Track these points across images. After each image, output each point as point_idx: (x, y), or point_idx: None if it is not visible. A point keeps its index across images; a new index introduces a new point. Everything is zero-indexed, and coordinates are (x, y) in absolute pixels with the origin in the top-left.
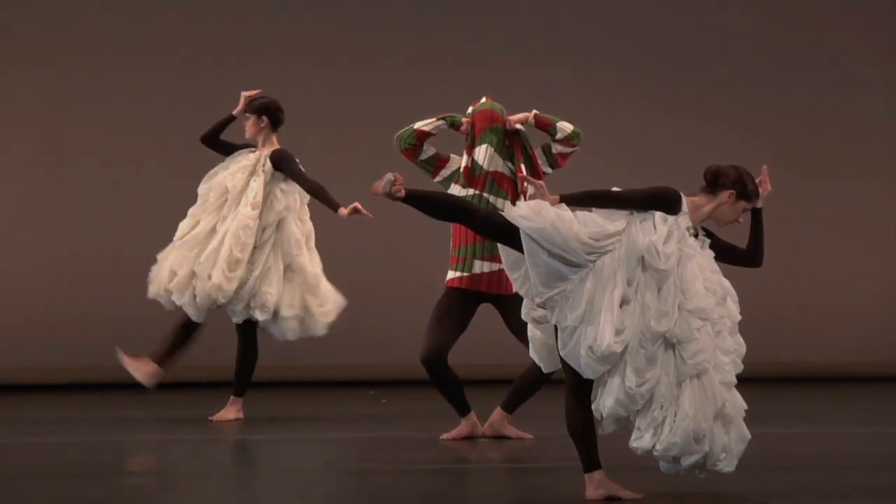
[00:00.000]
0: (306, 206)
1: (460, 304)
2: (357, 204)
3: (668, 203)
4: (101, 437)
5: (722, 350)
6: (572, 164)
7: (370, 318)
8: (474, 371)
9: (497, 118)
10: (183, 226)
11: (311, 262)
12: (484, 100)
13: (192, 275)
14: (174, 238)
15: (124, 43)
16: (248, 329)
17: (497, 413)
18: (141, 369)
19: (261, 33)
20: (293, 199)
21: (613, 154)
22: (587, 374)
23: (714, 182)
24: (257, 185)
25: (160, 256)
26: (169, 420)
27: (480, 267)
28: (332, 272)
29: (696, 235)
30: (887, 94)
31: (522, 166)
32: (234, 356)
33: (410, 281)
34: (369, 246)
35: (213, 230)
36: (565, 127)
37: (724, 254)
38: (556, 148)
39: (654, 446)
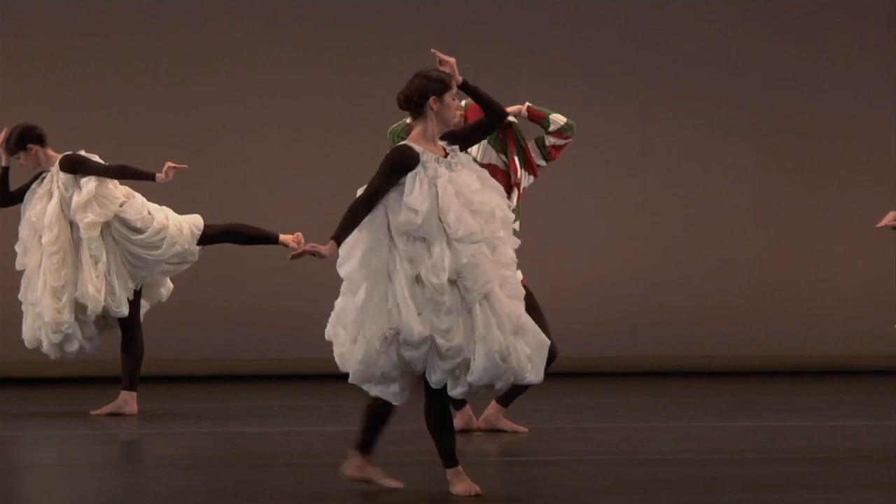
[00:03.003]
0: (115, 192)
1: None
2: (169, 163)
3: (404, 162)
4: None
5: (502, 264)
6: (566, 156)
7: None
8: None
9: None
10: (22, 281)
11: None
12: None
13: (40, 318)
14: (20, 292)
15: (126, 43)
16: (126, 323)
17: (492, 406)
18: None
19: (262, 34)
20: (109, 200)
21: (606, 146)
22: (418, 367)
23: (412, 104)
24: (51, 207)
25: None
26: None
27: None
28: (328, 267)
29: (445, 154)
30: (879, 91)
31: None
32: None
33: None
34: None
35: (39, 265)
36: (558, 119)
37: (473, 137)
38: (550, 140)
39: (470, 383)
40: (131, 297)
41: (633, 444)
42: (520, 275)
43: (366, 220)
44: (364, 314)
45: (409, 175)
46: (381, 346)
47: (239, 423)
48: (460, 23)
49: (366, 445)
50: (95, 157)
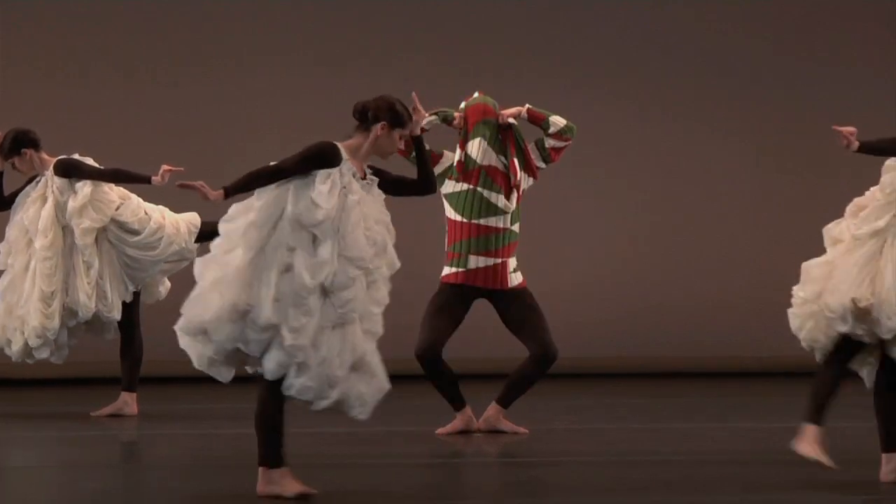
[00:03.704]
0: (111, 195)
1: (455, 300)
2: (165, 166)
3: (325, 158)
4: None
5: (374, 300)
6: (566, 156)
7: None
8: (469, 365)
9: (489, 111)
10: (2, 280)
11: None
12: (476, 94)
13: (21, 321)
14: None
15: (125, 44)
16: (125, 324)
17: (492, 407)
18: None
19: (261, 33)
20: (104, 205)
21: (606, 147)
22: (253, 349)
23: (364, 118)
24: (45, 212)
25: None
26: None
27: (476, 262)
28: None
29: (364, 177)
30: (879, 91)
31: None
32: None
33: (405, 276)
34: None
35: (27, 269)
36: (558, 121)
37: (395, 186)
38: (549, 142)
39: (292, 390)
40: (128, 300)
41: (632, 445)
42: (519, 276)
43: (269, 194)
44: (229, 276)
45: (323, 172)
46: (230, 314)
47: (239, 424)
48: (460, 24)
49: (277, 458)
50: (90, 161)
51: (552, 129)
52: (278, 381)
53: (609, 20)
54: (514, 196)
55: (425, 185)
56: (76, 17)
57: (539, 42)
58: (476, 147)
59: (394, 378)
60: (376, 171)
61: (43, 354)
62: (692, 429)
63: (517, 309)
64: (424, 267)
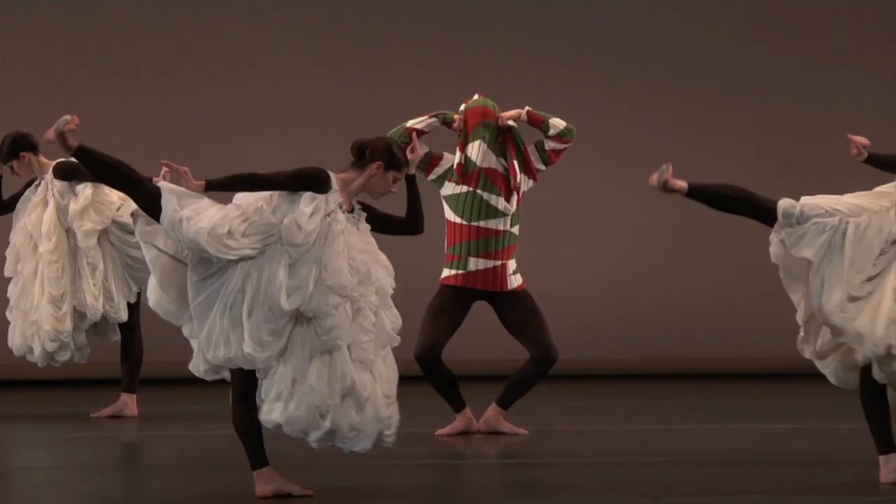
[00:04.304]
0: (111, 197)
1: (455, 302)
2: (165, 168)
3: (315, 183)
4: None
5: (361, 328)
6: (566, 157)
7: None
8: (469, 367)
9: (489, 114)
10: (11, 288)
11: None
12: (476, 96)
13: (36, 326)
14: (10, 299)
15: (125, 44)
16: (126, 325)
17: (492, 409)
18: None
19: (261, 33)
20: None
21: (606, 147)
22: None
23: (361, 156)
24: (48, 215)
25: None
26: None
27: (475, 264)
28: None
29: (351, 210)
30: (879, 92)
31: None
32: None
33: (405, 278)
34: None
35: (35, 274)
36: (558, 123)
37: (382, 223)
38: (549, 144)
39: (279, 422)
40: (132, 301)
41: (632, 446)
42: (519, 279)
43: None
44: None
45: (309, 195)
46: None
47: None
48: (461, 25)
49: (261, 459)
50: None
51: (552, 132)
52: (250, 386)
53: (609, 21)
54: (514, 198)
55: (413, 225)
56: (76, 17)
57: (539, 43)
58: (476, 149)
59: None
60: (365, 207)
61: (64, 357)
62: (692, 429)
63: (517, 311)
64: (424, 269)
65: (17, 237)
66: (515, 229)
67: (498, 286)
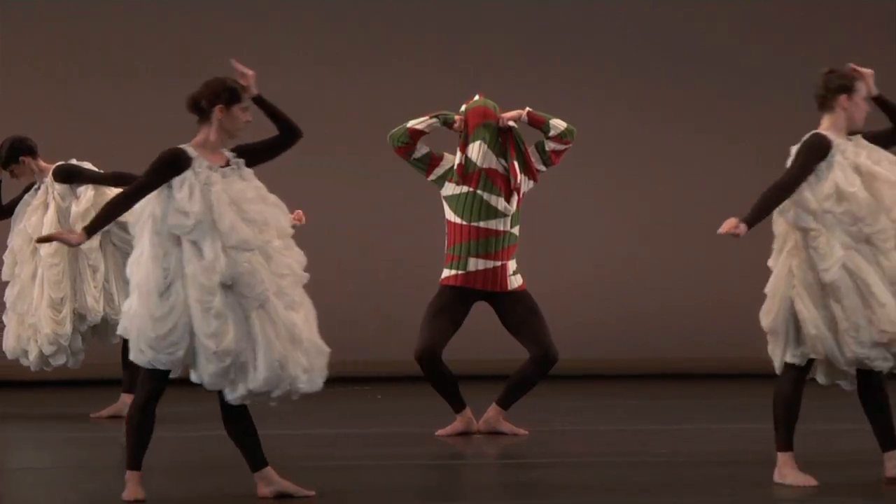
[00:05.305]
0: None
1: (455, 302)
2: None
3: (172, 165)
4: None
5: (277, 274)
6: (566, 158)
7: (365, 315)
8: (469, 367)
9: (490, 114)
10: (8, 291)
11: None
12: (477, 97)
13: (34, 329)
14: (7, 302)
15: (126, 45)
16: None
17: (492, 409)
18: None
19: (261, 33)
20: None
21: (607, 148)
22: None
23: (200, 110)
24: (48, 218)
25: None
26: None
27: (475, 265)
28: (327, 269)
29: (226, 164)
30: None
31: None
32: None
33: (405, 278)
34: (364, 243)
35: (34, 277)
36: (558, 124)
37: (265, 152)
38: (550, 145)
39: (249, 390)
40: None
41: (632, 446)
42: (519, 279)
43: (141, 210)
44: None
45: (177, 179)
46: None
47: None
48: (461, 25)
49: (259, 460)
50: (87, 165)
51: (552, 133)
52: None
53: (609, 21)
54: (515, 199)
55: (289, 132)
56: (76, 18)
57: (539, 43)
58: (476, 150)
59: (394, 379)
60: (239, 153)
61: (59, 361)
62: (692, 430)
63: (517, 311)
64: (424, 269)
65: (15, 240)
66: (516, 230)
67: (498, 286)
